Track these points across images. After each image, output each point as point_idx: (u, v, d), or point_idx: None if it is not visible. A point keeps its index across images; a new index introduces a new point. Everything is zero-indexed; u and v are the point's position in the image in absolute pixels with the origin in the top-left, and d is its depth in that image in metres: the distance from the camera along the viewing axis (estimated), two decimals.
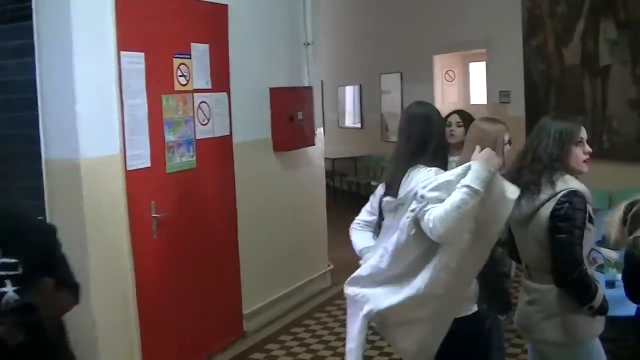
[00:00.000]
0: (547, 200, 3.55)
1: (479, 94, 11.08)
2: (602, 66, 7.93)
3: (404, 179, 3.61)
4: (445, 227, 3.25)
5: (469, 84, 11.73)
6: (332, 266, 8.25)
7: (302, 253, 7.70)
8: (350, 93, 14.95)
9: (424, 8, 11.40)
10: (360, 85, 14.32)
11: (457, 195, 3.28)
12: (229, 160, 6.45)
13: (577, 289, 3.56)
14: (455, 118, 5.35)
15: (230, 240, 6.50)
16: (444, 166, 3.71)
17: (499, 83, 9.80)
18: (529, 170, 3.64)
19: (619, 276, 4.69)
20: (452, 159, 5.07)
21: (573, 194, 3.53)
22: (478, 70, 11.12)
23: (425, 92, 10.99)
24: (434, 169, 3.56)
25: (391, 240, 3.54)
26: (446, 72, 11.72)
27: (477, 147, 3.52)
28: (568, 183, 3.57)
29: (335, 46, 13.92)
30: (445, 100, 11.35)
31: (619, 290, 4.35)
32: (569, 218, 3.49)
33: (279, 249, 7.23)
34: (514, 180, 3.64)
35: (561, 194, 3.52)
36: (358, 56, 14.01)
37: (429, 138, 3.69)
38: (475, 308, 3.72)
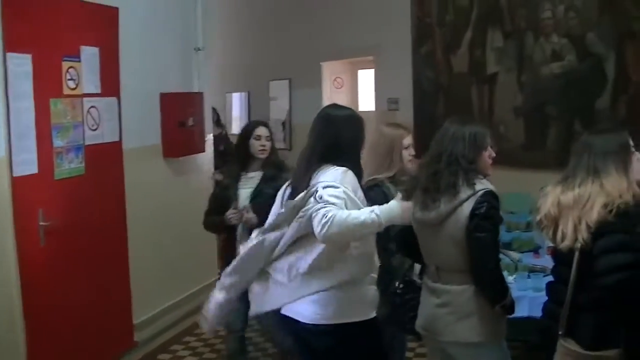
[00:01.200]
0: (466, 199, 3.62)
1: (367, 101, 11.18)
2: (489, 74, 8.15)
3: (313, 178, 3.61)
4: (339, 230, 3.28)
5: (357, 91, 11.81)
6: None
7: (193, 261, 7.56)
8: (237, 100, 14.87)
9: (313, 15, 11.43)
10: (248, 92, 14.26)
11: (364, 214, 3.35)
12: (119, 166, 6.30)
13: (495, 287, 3.66)
14: (264, 132, 5.23)
15: (119, 249, 6.34)
16: (358, 170, 3.72)
17: (387, 90, 9.87)
18: (448, 173, 3.68)
19: (511, 278, 4.88)
20: (253, 174, 5.10)
21: (490, 194, 3.63)
22: (367, 78, 11.21)
23: (314, 98, 10.98)
24: (341, 168, 3.56)
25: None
26: (335, 79, 11.78)
27: (399, 194, 3.62)
28: (485, 184, 3.68)
29: (224, 52, 13.82)
30: None
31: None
32: (489, 217, 3.59)
33: (169, 256, 7.10)
34: (431, 184, 3.70)
35: (479, 193, 3.61)
36: (247, 63, 13.95)
37: (341, 142, 3.70)
38: (373, 314, 3.74)
